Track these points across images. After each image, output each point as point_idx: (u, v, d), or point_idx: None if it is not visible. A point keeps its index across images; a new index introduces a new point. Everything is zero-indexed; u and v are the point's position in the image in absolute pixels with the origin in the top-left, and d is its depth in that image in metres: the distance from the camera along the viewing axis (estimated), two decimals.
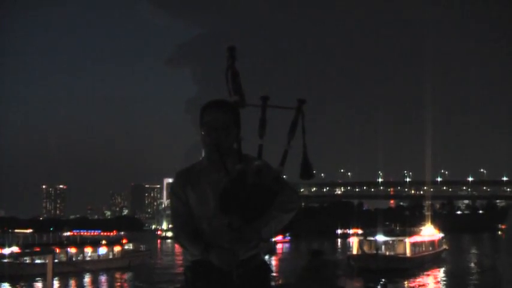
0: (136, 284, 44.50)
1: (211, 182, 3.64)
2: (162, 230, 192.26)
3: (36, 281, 41.72)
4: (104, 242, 62.12)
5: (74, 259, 54.31)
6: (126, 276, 50.78)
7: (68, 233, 75.74)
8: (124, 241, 63.78)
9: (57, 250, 52.85)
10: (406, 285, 39.16)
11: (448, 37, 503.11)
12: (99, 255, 57.87)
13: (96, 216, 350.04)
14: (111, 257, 58.82)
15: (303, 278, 8.95)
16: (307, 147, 3.74)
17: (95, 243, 60.84)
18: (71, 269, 48.25)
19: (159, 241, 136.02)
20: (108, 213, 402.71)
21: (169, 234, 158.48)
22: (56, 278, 42.00)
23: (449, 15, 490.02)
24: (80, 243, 59.83)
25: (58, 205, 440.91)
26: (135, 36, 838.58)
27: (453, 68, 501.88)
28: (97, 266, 54.12)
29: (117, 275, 50.62)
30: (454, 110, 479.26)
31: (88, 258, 56.23)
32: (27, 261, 49.12)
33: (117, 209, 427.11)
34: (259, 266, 3.70)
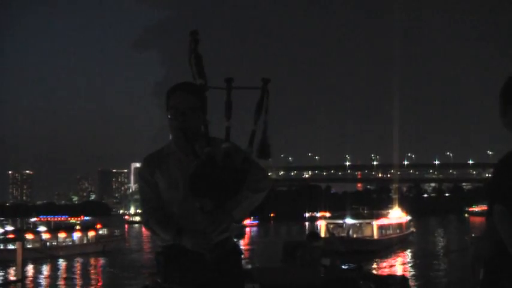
0: (111, 269, 44.34)
1: (180, 166, 3.62)
2: (130, 215, 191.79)
3: (10, 267, 41.36)
4: (77, 227, 61.83)
5: (47, 245, 53.96)
6: (101, 261, 50.57)
7: (35, 219, 75.01)
8: (98, 226, 63.53)
9: (31, 236, 52.68)
10: (374, 267, 39.41)
11: (416, 25, 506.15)
12: (73, 241, 57.58)
13: (63, 202, 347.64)
14: (85, 242, 58.58)
15: (284, 261, 8.96)
16: (268, 127, 3.73)
17: (69, 228, 60.49)
18: (45, 255, 47.94)
19: (126, 226, 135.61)
20: (75, 198, 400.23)
21: (137, 219, 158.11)
22: (30, 264, 42.03)
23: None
24: (54, 229, 59.48)
25: (25, 191, 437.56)
26: (102, 19, 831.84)
27: (420, 54, 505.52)
28: (71, 251, 53.75)
29: (92, 260, 50.36)
30: (421, 94, 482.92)
31: (62, 244, 55.89)
32: (1, 247, 49.03)
33: (84, 194, 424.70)
34: (231, 249, 3.69)
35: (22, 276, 8.32)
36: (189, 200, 3.48)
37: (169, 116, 3.63)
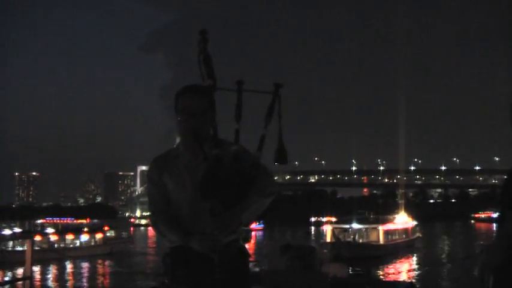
0: (118, 271, 44.50)
1: (189, 168, 3.62)
2: (136, 218, 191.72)
3: (18, 268, 41.49)
4: (85, 229, 62.12)
5: (55, 246, 54.18)
6: (108, 263, 50.73)
7: (42, 221, 75.13)
8: (106, 228, 63.88)
9: (39, 237, 52.84)
10: (380, 272, 39.30)
11: (424, 27, 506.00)
12: (81, 242, 57.83)
13: (69, 204, 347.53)
14: (93, 244, 58.82)
15: (290, 266, 8.94)
16: (283, 132, 3.73)
17: (77, 230, 60.74)
18: (53, 256, 48.13)
19: (132, 228, 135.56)
20: (81, 200, 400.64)
21: (143, 221, 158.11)
22: (38, 265, 42.15)
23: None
24: (61, 231, 59.73)
25: (31, 192, 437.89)
26: (108, 21, 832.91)
27: (427, 57, 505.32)
28: (79, 253, 53.96)
29: (99, 262, 50.52)
30: (427, 99, 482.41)
31: (70, 245, 56.19)
32: (9, 249, 49.24)
33: (91, 196, 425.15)
34: (238, 251, 3.70)
35: (31, 273, 8.37)
36: (198, 201, 3.49)
37: (178, 118, 3.63)
